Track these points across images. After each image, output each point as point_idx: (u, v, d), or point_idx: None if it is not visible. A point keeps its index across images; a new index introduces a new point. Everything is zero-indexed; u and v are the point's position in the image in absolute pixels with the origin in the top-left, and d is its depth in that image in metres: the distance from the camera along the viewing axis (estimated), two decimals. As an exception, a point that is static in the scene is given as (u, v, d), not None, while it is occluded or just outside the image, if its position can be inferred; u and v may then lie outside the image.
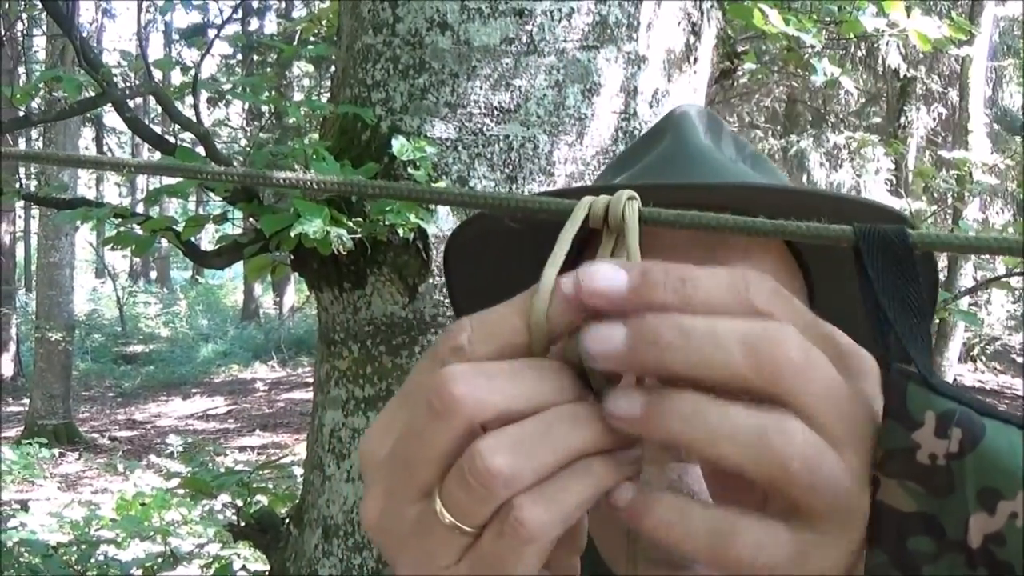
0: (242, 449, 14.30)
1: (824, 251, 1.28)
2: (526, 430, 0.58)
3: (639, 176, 1.30)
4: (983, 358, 24.88)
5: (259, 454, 13.90)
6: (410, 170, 2.86)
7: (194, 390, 20.81)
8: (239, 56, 23.14)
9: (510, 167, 2.94)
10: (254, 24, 25.83)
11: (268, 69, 18.77)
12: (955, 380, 17.92)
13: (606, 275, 0.59)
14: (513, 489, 0.57)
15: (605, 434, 0.60)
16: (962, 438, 0.57)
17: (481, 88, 2.95)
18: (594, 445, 0.59)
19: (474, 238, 1.37)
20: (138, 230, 3.25)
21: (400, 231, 2.83)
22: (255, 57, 20.49)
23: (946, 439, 0.57)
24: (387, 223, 2.80)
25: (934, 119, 18.34)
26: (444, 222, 2.93)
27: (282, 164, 3.16)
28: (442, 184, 2.86)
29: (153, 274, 40.99)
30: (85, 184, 34.30)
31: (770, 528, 0.58)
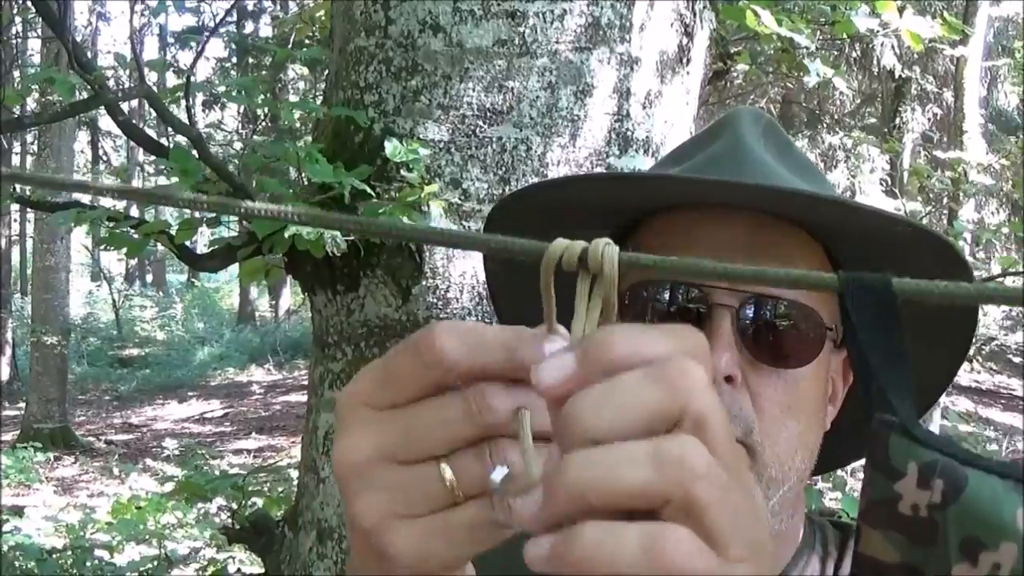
0: (238, 452, 14.30)
1: (861, 259, 1.28)
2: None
3: (691, 171, 1.32)
4: (979, 358, 24.89)
5: (255, 457, 13.89)
6: (403, 172, 2.86)
7: (190, 393, 20.82)
8: (234, 59, 23.14)
9: (503, 169, 2.94)
10: (249, 27, 25.85)
11: (263, 72, 18.76)
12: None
13: (551, 373, 0.65)
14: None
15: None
16: (944, 489, 0.56)
17: (474, 90, 2.95)
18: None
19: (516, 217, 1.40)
20: (133, 233, 3.25)
21: (393, 233, 2.82)
22: (250, 60, 20.50)
23: (928, 490, 0.57)
24: (380, 225, 2.79)
25: (929, 119, 18.35)
26: (437, 224, 2.92)
27: (276, 167, 3.16)
28: (434, 188, 2.86)
29: (149, 277, 40.95)
30: (81, 188, 34.16)
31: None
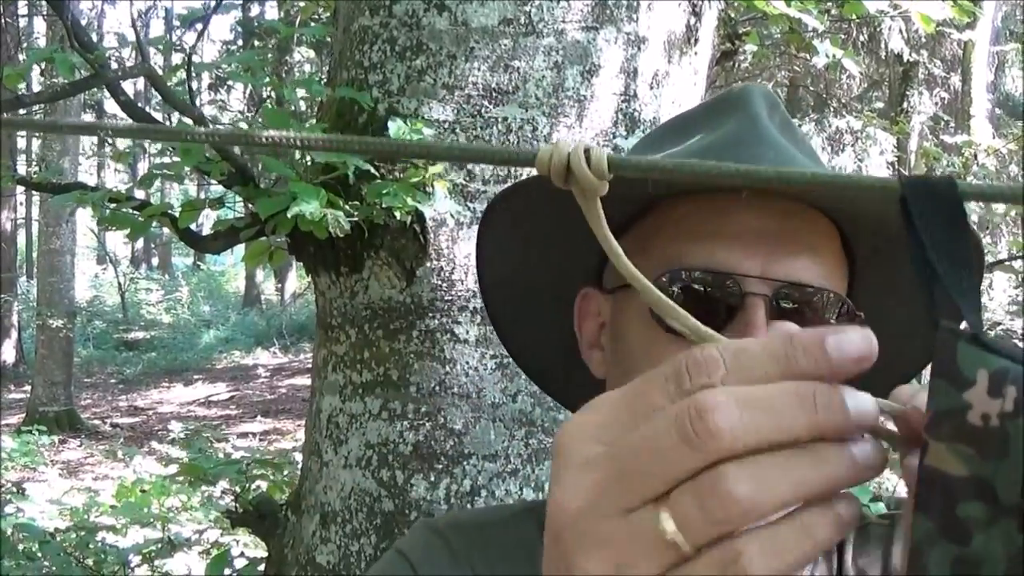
0: (243, 435, 14.32)
1: (867, 241, 1.26)
2: (774, 461, 0.58)
3: (704, 147, 1.27)
4: (986, 343, 24.80)
5: (261, 440, 13.93)
6: (408, 152, 2.83)
7: (196, 376, 20.85)
8: (240, 42, 23.12)
9: (508, 149, 2.91)
10: (255, 10, 25.82)
11: (269, 55, 18.73)
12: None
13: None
14: (748, 519, 0.57)
15: (846, 476, 0.60)
16: (1017, 396, 0.53)
17: (479, 70, 2.92)
18: (833, 486, 0.60)
19: (509, 214, 1.36)
20: (135, 215, 3.23)
21: (397, 214, 2.80)
22: (256, 43, 20.47)
23: (1000, 398, 0.54)
24: (384, 206, 2.77)
25: (936, 104, 18.30)
26: (441, 204, 2.89)
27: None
28: (439, 168, 2.83)
29: (155, 260, 41.00)
30: (87, 171, 34.29)
31: None
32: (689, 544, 0.57)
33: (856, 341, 0.59)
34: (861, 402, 0.59)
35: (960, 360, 0.56)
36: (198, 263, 35.86)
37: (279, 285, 29.09)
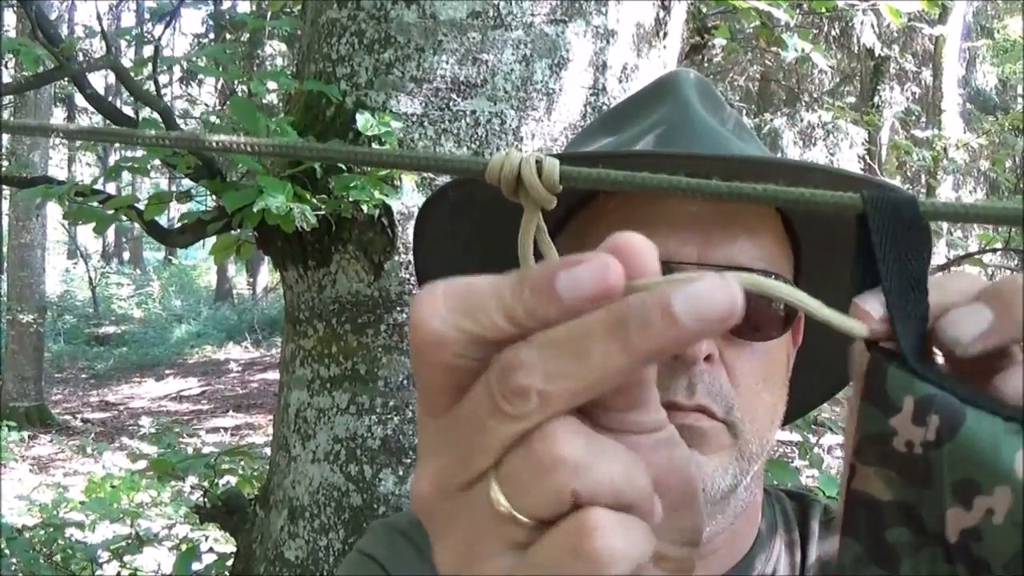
0: (215, 430, 14.26)
1: (812, 226, 1.25)
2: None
3: (637, 139, 1.26)
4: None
5: (232, 435, 13.87)
6: (375, 146, 2.82)
7: (167, 371, 20.76)
8: (212, 35, 23.02)
9: (477, 142, 2.90)
10: (227, 3, 25.73)
11: (240, 48, 18.65)
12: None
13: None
14: (581, 479, 0.50)
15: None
16: (940, 426, 0.53)
17: (447, 63, 2.91)
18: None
19: (448, 210, 1.33)
20: (101, 209, 3.20)
21: (364, 207, 2.78)
22: (227, 36, 20.39)
23: (924, 426, 0.53)
24: (351, 200, 2.76)
25: (908, 98, 18.38)
26: (409, 198, 2.88)
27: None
28: (407, 160, 2.81)
29: (126, 255, 40.83)
30: (57, 165, 34.10)
31: None
32: (525, 515, 0.51)
33: (592, 275, 0.51)
34: (698, 301, 0.50)
35: (889, 384, 0.55)
36: (170, 257, 35.74)
37: (251, 279, 29.03)
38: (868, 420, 0.56)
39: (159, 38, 3.48)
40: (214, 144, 0.73)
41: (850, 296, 0.58)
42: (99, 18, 3.67)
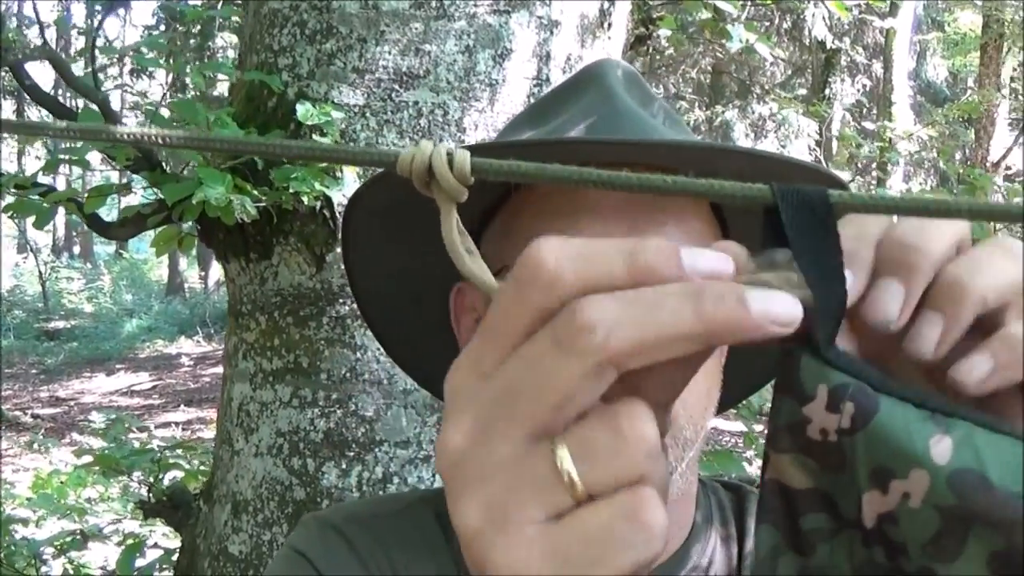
0: (166, 425, 14.17)
1: (743, 213, 1.25)
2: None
3: (562, 130, 1.25)
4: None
5: (184, 430, 13.80)
6: (316, 136, 2.80)
7: (118, 366, 20.62)
8: (162, 27, 22.86)
9: (420, 133, 2.89)
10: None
11: (191, 40, 18.56)
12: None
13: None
14: (653, 454, 0.52)
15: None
16: (854, 413, 0.53)
17: (390, 53, 2.89)
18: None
19: (379, 204, 1.31)
20: (41, 201, 3.16)
21: (305, 199, 2.76)
22: (178, 27, 20.26)
23: (838, 414, 0.54)
24: (292, 191, 2.74)
25: (858, 90, 18.51)
26: (350, 189, 2.86)
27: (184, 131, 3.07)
28: (348, 151, 2.80)
29: (76, 249, 40.52)
30: (7, 159, 33.80)
31: None
32: (585, 483, 0.52)
33: (713, 260, 0.55)
34: (770, 301, 0.53)
35: (802, 374, 0.55)
36: (120, 251, 35.46)
37: (203, 273, 28.91)
38: (782, 409, 0.56)
39: (96, 29, 3.43)
40: (125, 137, 0.71)
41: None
42: (34, 7, 3.62)
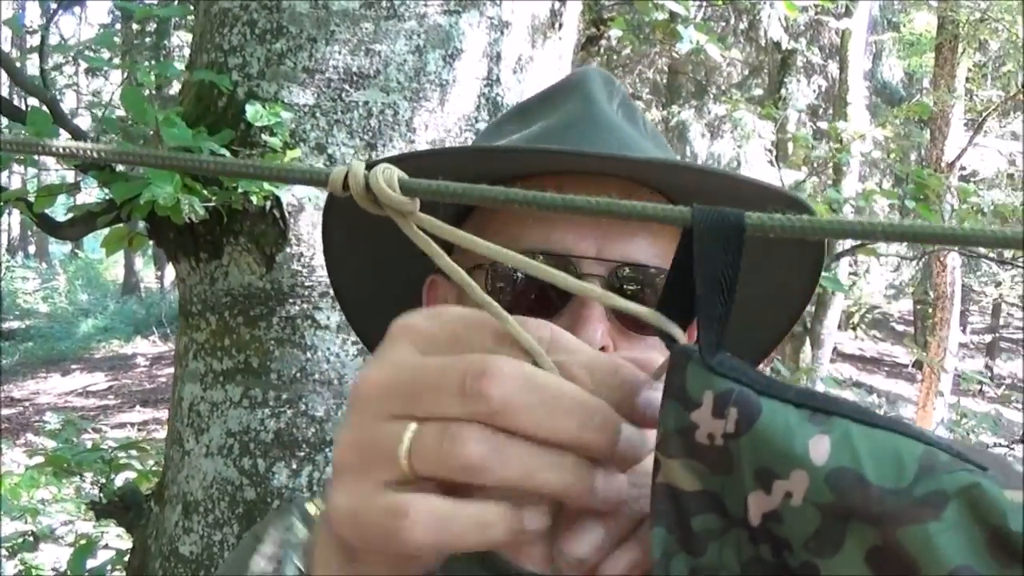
0: (122, 425, 14.10)
1: None
2: (523, 445, 0.61)
3: (544, 137, 1.28)
4: (863, 326, 25.40)
5: (139, 430, 13.73)
6: (265, 136, 2.79)
7: (74, 366, 20.50)
8: (118, 26, 22.71)
9: (370, 134, 2.89)
10: (133, -7, 25.34)
11: (146, 39, 18.44)
12: (835, 348, 18.27)
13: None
14: (470, 476, 0.60)
15: (578, 493, 0.62)
16: (738, 418, 0.56)
17: (340, 53, 2.89)
18: (563, 496, 0.63)
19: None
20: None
21: (254, 199, 2.76)
22: (135, 26, 20.14)
23: (723, 419, 0.57)
24: (241, 191, 2.73)
25: (815, 91, 18.60)
26: (299, 189, 2.86)
27: (132, 131, 3.07)
28: (297, 153, 2.80)
29: (31, 248, 40.20)
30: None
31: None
32: (412, 470, 0.61)
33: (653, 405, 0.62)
34: (634, 437, 0.62)
35: (689, 381, 0.58)
36: (76, 251, 35.22)
37: (159, 272, 28.72)
38: (670, 415, 0.59)
39: (45, 27, 3.41)
40: (53, 150, 0.71)
41: (663, 299, 0.64)
42: (-18, 6, 3.59)
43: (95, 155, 0.69)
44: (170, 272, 26.93)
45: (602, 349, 1.15)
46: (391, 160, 1.40)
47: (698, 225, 0.59)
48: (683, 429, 0.58)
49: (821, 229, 0.57)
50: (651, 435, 0.61)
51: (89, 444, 5.51)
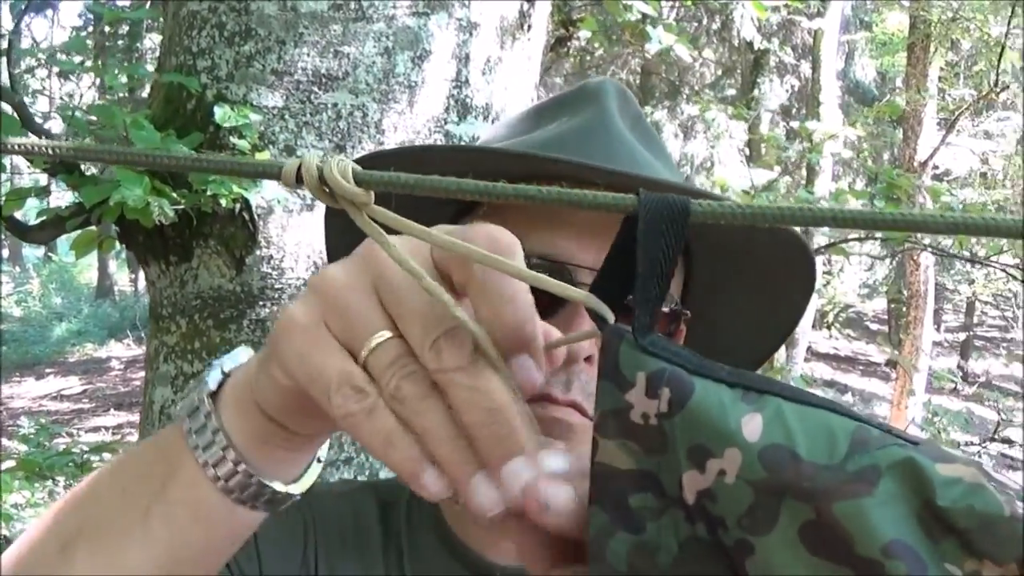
0: (96, 429, 14.04)
1: (706, 236, 1.30)
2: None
3: (555, 142, 1.29)
4: (837, 325, 25.48)
5: (114, 434, 13.67)
6: (234, 139, 2.79)
7: (48, 370, 20.38)
8: (90, 28, 22.61)
9: (339, 136, 2.89)
10: (105, -5, 25.24)
11: (119, 42, 18.38)
12: (809, 347, 18.32)
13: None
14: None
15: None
16: (671, 397, 0.57)
17: (309, 55, 2.89)
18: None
19: None
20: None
21: (223, 201, 2.76)
22: (107, 28, 20.07)
23: (656, 399, 0.57)
24: (210, 194, 2.73)
25: (787, 91, 18.66)
26: (268, 191, 2.86)
27: (100, 133, 3.06)
28: (265, 155, 2.80)
29: (5, 252, 39.98)
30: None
31: None
32: (363, 363, 0.68)
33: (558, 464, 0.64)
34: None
35: (622, 362, 0.59)
36: (50, 255, 35.04)
37: (133, 275, 28.60)
38: (605, 396, 0.60)
39: (12, 31, 3.40)
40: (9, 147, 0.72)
41: (597, 282, 0.64)
42: (-52, 10, 3.58)
43: (49, 151, 0.70)
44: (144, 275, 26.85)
45: (587, 359, 1.16)
46: (395, 153, 1.39)
47: (644, 209, 0.59)
48: (618, 410, 0.59)
49: (761, 216, 0.58)
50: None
51: (62, 448, 5.49)
